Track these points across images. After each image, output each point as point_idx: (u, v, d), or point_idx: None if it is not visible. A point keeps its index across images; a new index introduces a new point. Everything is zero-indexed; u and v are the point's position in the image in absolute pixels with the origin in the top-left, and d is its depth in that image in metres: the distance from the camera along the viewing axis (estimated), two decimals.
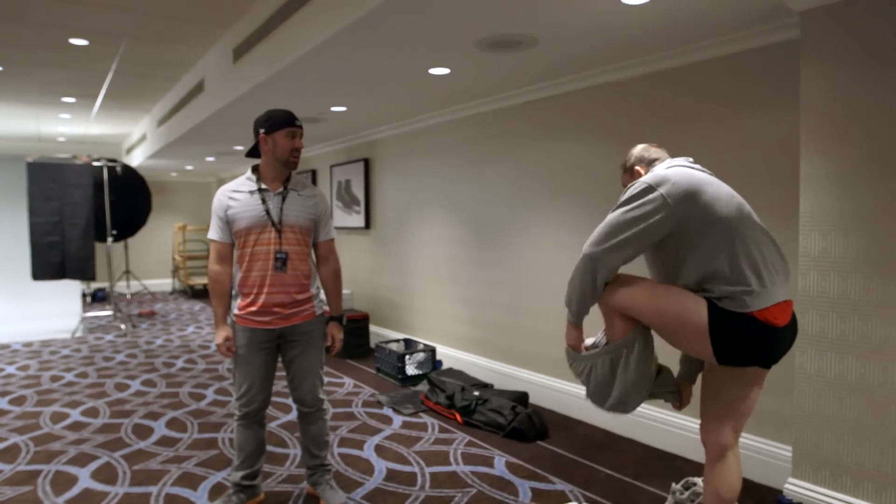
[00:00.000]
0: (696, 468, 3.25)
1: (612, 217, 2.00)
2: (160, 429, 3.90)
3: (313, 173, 7.71)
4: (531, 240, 4.46)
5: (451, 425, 4.01)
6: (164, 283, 11.68)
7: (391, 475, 3.19)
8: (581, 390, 4.09)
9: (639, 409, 3.70)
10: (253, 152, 2.68)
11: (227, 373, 5.34)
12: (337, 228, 7.04)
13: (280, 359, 2.76)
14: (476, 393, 4.27)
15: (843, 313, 2.44)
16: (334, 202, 7.11)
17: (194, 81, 5.54)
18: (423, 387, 4.88)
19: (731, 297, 1.91)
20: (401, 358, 5.08)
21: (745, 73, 3.05)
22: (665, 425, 3.55)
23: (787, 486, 2.63)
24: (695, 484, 2.77)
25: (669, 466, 3.30)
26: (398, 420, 4.11)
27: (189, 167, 10.01)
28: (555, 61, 3.56)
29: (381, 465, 3.32)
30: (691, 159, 2.15)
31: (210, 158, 8.72)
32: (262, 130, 2.57)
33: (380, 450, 3.55)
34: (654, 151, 2.24)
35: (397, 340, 5.63)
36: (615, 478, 3.17)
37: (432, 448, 3.59)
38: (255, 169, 2.67)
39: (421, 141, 5.58)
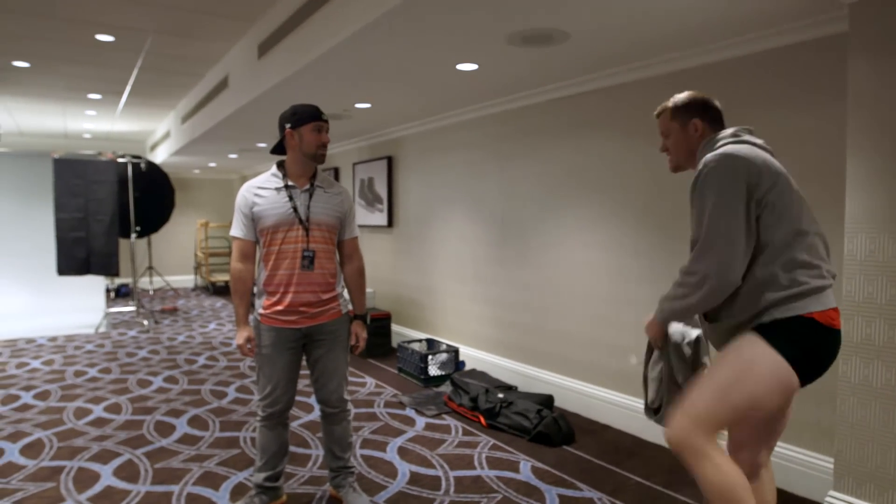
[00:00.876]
0: None
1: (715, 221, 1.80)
2: (182, 426, 3.88)
3: (336, 171, 7.69)
4: (557, 239, 4.37)
5: (474, 428, 3.94)
6: (187, 280, 11.76)
7: (415, 478, 3.13)
8: (607, 394, 3.99)
9: None
10: (278, 148, 2.64)
11: (248, 371, 5.33)
12: (360, 227, 6.99)
13: (304, 358, 2.71)
14: (500, 395, 4.19)
15: (891, 319, 2.32)
16: (357, 200, 7.07)
17: (219, 77, 5.53)
18: (446, 388, 4.81)
19: (811, 297, 1.75)
20: (423, 358, 5.02)
21: (788, 69, 2.93)
22: None
23: (827, 498, 2.52)
24: None
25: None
26: (421, 421, 4.05)
27: (212, 164, 10.06)
28: (585, 57, 3.47)
29: (404, 468, 3.26)
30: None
31: (233, 155, 8.74)
32: (287, 125, 2.53)
33: (403, 452, 3.49)
34: (713, 106, 2.05)
35: (420, 340, 5.57)
36: (645, 486, 3.08)
37: (456, 451, 3.52)
38: (280, 165, 2.63)
39: (445, 138, 5.51)
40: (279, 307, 2.56)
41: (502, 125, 4.82)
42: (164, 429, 3.83)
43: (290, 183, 2.57)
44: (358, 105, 4.93)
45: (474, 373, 4.97)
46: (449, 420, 4.09)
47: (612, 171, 3.93)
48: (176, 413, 4.15)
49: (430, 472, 3.22)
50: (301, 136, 2.51)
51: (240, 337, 2.58)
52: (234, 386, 4.83)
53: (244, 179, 11.61)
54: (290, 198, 2.55)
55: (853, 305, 2.41)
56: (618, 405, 3.92)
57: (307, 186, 2.60)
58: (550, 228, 4.43)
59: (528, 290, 4.65)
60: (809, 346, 1.76)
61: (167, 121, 8.31)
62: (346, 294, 2.78)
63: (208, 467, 3.24)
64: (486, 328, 5.14)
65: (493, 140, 4.94)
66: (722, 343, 1.92)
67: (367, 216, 6.86)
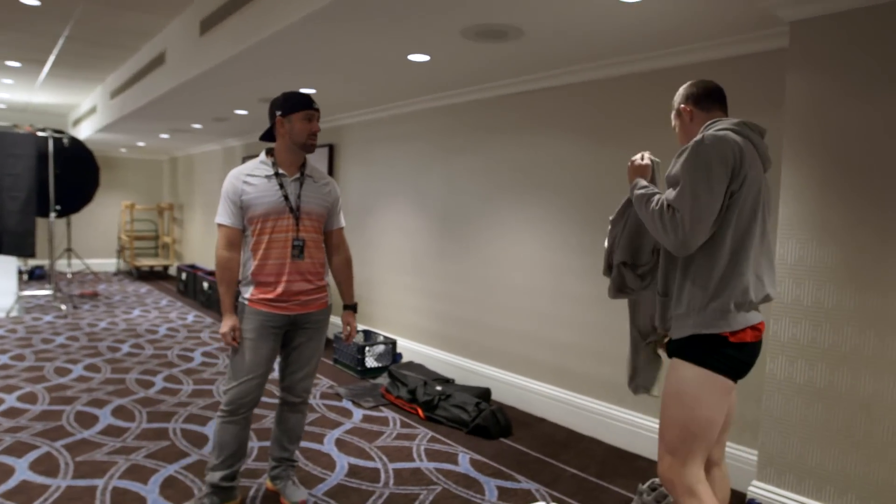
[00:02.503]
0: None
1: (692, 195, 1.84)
2: (105, 417, 3.68)
3: None
4: (501, 235, 4.42)
5: (412, 420, 3.93)
6: (108, 264, 11.16)
7: (353, 471, 3.10)
8: (544, 388, 4.08)
9: (600, 408, 3.74)
10: (268, 136, 2.59)
11: (177, 359, 5.11)
12: None
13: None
14: (438, 388, 4.20)
15: (815, 321, 2.48)
16: None
17: (155, 52, 5.26)
18: (383, 380, 4.78)
19: (737, 317, 1.86)
20: (360, 350, 4.97)
21: (733, 79, 3.05)
22: (627, 425, 3.56)
23: (750, 488, 2.66)
24: (661, 485, 2.78)
25: (632, 467, 3.32)
26: (358, 413, 4.00)
27: (141, 143, 9.58)
28: (538, 55, 3.51)
29: (342, 461, 3.21)
30: None
31: (165, 136, 8.35)
32: (278, 113, 2.49)
33: (341, 444, 3.44)
34: (710, 95, 2.08)
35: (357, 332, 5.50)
36: (580, 477, 3.16)
37: (395, 443, 3.51)
38: (269, 153, 2.58)
39: (390, 129, 5.46)
40: (270, 296, 2.50)
41: (449, 119, 4.81)
42: (86, 420, 3.62)
43: (280, 171, 2.52)
44: (303, 90, 4.80)
45: (412, 365, 4.97)
46: (387, 412, 4.07)
47: (557, 169, 4.00)
48: (98, 403, 3.93)
49: (369, 464, 3.19)
50: (292, 123, 2.48)
51: (225, 325, 2.49)
52: (162, 375, 4.62)
53: (174, 161, 11.12)
54: (281, 186, 2.50)
55: (781, 307, 2.56)
56: (554, 399, 4.01)
57: (297, 175, 2.56)
58: (494, 224, 4.47)
59: (469, 284, 4.68)
60: (731, 357, 1.87)
61: (94, 95, 7.84)
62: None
63: (135, 460, 3.09)
64: (425, 321, 5.14)
65: (438, 133, 4.93)
66: (645, 324, 2.19)
67: None
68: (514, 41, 3.24)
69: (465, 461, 3.30)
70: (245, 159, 8.10)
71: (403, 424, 3.84)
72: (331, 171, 6.29)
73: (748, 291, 1.84)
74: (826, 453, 2.46)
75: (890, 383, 2.31)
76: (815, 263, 2.48)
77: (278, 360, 2.69)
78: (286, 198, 2.49)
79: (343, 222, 2.77)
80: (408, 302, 5.33)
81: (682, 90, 2.09)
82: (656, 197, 1.91)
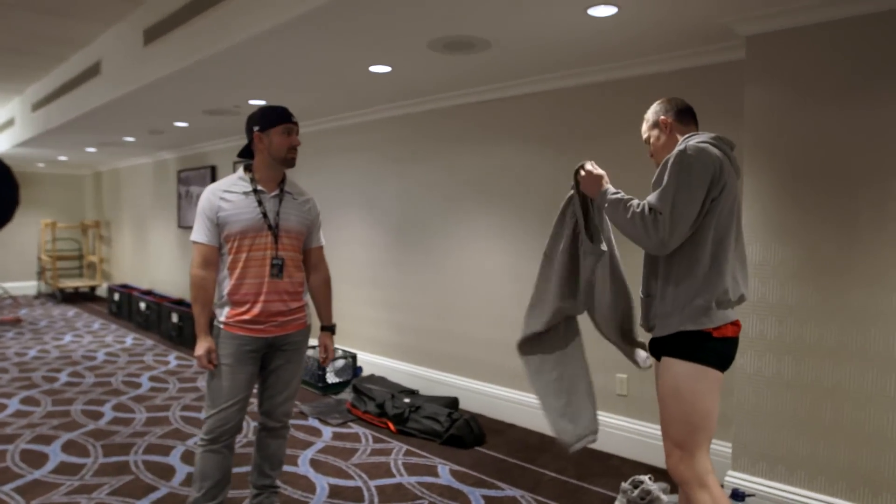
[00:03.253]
0: (632, 466, 3.37)
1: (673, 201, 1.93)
2: (56, 454, 3.43)
3: (212, 169, 7.22)
4: (461, 244, 4.45)
5: (384, 434, 3.88)
6: (28, 287, 10.41)
7: (335, 491, 3.03)
8: (511, 393, 4.12)
9: None
10: (246, 152, 2.50)
11: (123, 386, 4.83)
12: None
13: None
14: (406, 400, 4.17)
15: (780, 317, 2.64)
16: None
17: (88, 62, 4.96)
18: (347, 395, 4.70)
19: (720, 314, 1.97)
20: (320, 366, 4.86)
21: (692, 89, 3.20)
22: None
23: (726, 478, 2.80)
24: (642, 482, 2.87)
25: (607, 465, 3.41)
26: (327, 431, 3.92)
27: (63, 158, 9.00)
28: (502, 66, 3.57)
29: (321, 482, 3.13)
30: None
31: (91, 149, 7.89)
32: (256, 128, 2.42)
33: (316, 464, 3.36)
34: (681, 109, 2.20)
35: (314, 347, 5.39)
36: (560, 480, 3.22)
37: (371, 460, 3.46)
38: (247, 168, 2.49)
39: (343, 139, 5.39)
40: (247, 317, 2.40)
41: (404, 128, 4.81)
42: (34, 458, 3.36)
43: (258, 187, 2.44)
44: (252, 101, 4.67)
45: (374, 378, 4.91)
46: (356, 428, 4.00)
47: (517, 178, 4.07)
48: (45, 440, 3.65)
49: (350, 483, 3.13)
50: (270, 138, 2.41)
51: (200, 347, 2.37)
52: (110, 404, 4.35)
53: (98, 176, 10.52)
54: (260, 203, 2.42)
55: (749, 305, 2.70)
56: (521, 404, 4.06)
57: (276, 192, 2.48)
58: (454, 233, 4.49)
59: (429, 293, 4.68)
60: (717, 351, 1.98)
61: (11, 106, 7.31)
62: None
63: (100, 498, 2.89)
64: (385, 333, 5.09)
65: (393, 143, 4.91)
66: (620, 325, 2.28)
67: None
68: (481, 53, 3.28)
69: (445, 472, 3.29)
70: (180, 173, 7.77)
71: (376, 439, 3.79)
72: None
73: (727, 291, 1.96)
74: (796, 440, 2.62)
75: (851, 372, 2.49)
76: (778, 263, 2.64)
77: (257, 383, 2.60)
78: (265, 215, 2.42)
79: (323, 241, 2.71)
80: (366, 314, 5.26)
81: (658, 105, 2.20)
82: (634, 201, 1.99)
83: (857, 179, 2.47)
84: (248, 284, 2.41)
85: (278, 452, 2.67)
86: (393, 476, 3.23)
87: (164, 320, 6.75)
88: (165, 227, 8.26)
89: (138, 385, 4.90)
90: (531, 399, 4.03)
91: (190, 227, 7.59)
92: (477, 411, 4.30)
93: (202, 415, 2.51)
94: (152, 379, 5.10)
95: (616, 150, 3.55)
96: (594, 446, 3.63)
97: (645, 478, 2.90)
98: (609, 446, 3.59)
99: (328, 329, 2.72)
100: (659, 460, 3.35)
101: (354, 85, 4.08)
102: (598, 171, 2.17)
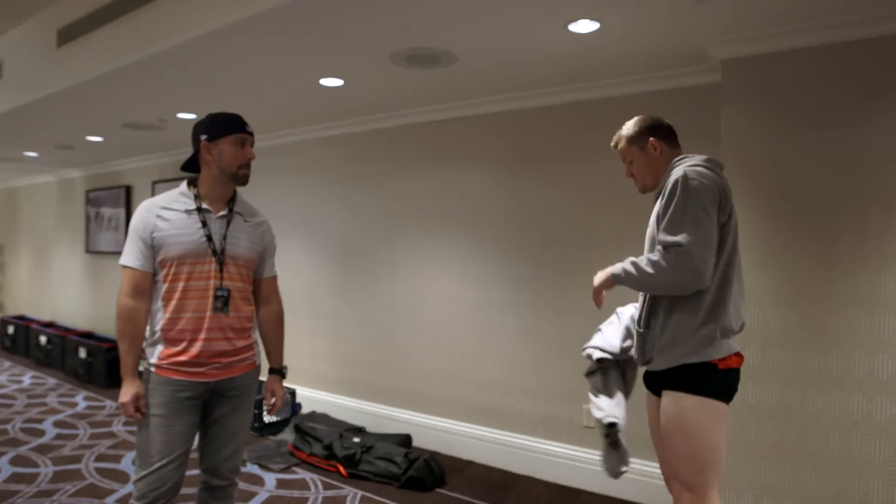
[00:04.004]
0: (604, 502, 3.21)
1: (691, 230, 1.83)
2: None
3: (127, 190, 6.60)
4: (412, 271, 4.20)
5: (333, 479, 3.54)
6: None
7: None
8: (470, 428, 3.88)
9: (534, 445, 3.63)
10: (190, 165, 2.15)
11: (21, 433, 4.20)
12: None
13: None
14: (356, 439, 3.85)
15: (763, 343, 2.58)
16: None
17: None
18: (287, 435, 4.30)
19: (726, 344, 1.89)
20: (257, 404, 4.43)
21: (667, 110, 3.11)
22: (565, 460, 3.49)
23: None
24: None
25: (578, 501, 3.23)
26: (270, 478, 3.52)
27: None
28: (464, 82, 3.39)
29: None
30: None
31: None
32: (203, 137, 2.07)
33: None
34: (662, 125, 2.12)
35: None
36: None
37: None
38: (191, 184, 2.14)
39: (282, 158, 5.02)
40: (183, 357, 2.03)
41: (351, 148, 4.54)
42: None
43: (203, 205, 2.09)
44: (181, 115, 4.27)
45: (315, 416, 4.53)
46: (302, 473, 3.63)
47: (473, 202, 3.90)
48: None
49: None
50: (220, 150, 2.07)
51: (125, 393, 1.99)
52: (7, 457, 3.74)
53: None
54: (204, 223, 2.07)
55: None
56: (482, 439, 3.84)
57: (224, 212, 2.13)
58: (404, 259, 4.25)
59: (377, 323, 4.40)
60: (723, 382, 1.89)
61: None
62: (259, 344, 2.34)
63: None
64: (326, 366, 4.73)
65: (336, 164, 4.63)
66: (646, 355, 2.01)
67: None
68: (446, 67, 3.10)
69: None
70: (88, 193, 7.09)
71: (326, 486, 3.44)
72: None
73: (731, 321, 1.88)
74: (782, 469, 2.54)
75: (836, 397, 2.44)
76: (759, 288, 2.58)
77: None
78: (209, 237, 2.08)
79: (276, 270, 2.39)
80: (305, 347, 4.88)
81: (640, 123, 2.07)
82: (641, 258, 1.89)
83: (834, 202, 2.45)
84: (185, 319, 2.05)
85: None
86: None
87: (69, 355, 6.04)
88: (71, 252, 7.49)
89: (41, 433, 4.28)
90: (488, 433, 3.82)
91: (99, 252, 6.92)
92: (432, 448, 4.03)
93: (132, 475, 2.11)
94: (58, 424, 4.48)
95: (583, 173, 3.46)
96: (564, 483, 3.47)
97: None
98: (578, 482, 3.42)
99: (277, 372, 2.38)
100: (630, 494, 3.21)
101: (301, 99, 3.79)
102: (599, 276, 2.06)
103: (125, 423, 4.51)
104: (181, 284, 2.05)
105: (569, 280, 3.51)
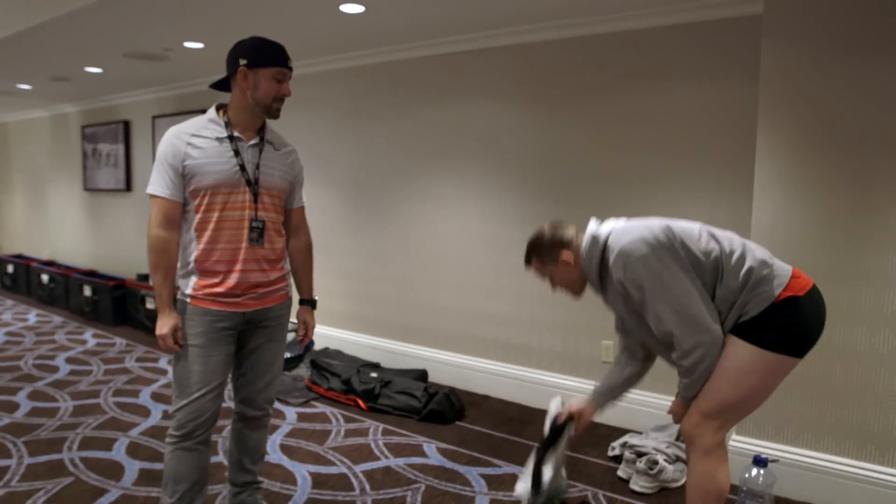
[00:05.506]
0: (619, 434, 3.27)
1: (672, 304, 1.78)
2: None
3: (125, 125, 6.42)
4: (427, 207, 4.15)
5: (354, 413, 3.59)
6: None
7: (319, 481, 2.72)
8: (485, 364, 3.92)
9: (547, 378, 3.69)
10: (222, 85, 2.06)
11: (35, 370, 4.20)
12: None
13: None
14: (374, 374, 3.89)
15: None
16: None
17: None
18: (302, 371, 4.33)
19: (768, 280, 1.80)
20: None
21: (703, 43, 3.05)
22: (579, 393, 3.53)
23: (731, 443, 2.75)
24: (644, 451, 2.79)
25: (597, 435, 3.29)
26: (290, 412, 3.57)
27: None
28: (491, 10, 3.23)
29: (301, 470, 2.81)
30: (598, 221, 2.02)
31: None
32: (243, 62, 1.97)
33: (289, 451, 3.02)
34: (565, 229, 2.04)
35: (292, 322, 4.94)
36: None
37: (348, 442, 3.16)
38: (220, 109, 2.05)
39: (293, 90, 4.87)
40: (219, 289, 2.00)
41: (362, 81, 4.40)
42: None
43: (235, 133, 2.01)
44: (188, 44, 4.09)
45: (329, 352, 4.57)
46: (321, 407, 3.68)
47: (492, 138, 3.82)
48: None
49: (333, 470, 2.83)
50: (257, 79, 1.98)
51: (164, 325, 1.96)
52: (25, 393, 3.76)
53: None
54: (236, 152, 2.00)
55: None
56: (498, 374, 3.89)
57: (256, 140, 2.06)
58: (418, 195, 4.19)
59: (390, 260, 4.37)
60: (793, 325, 1.79)
61: None
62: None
63: None
64: (338, 303, 4.73)
65: (349, 97, 4.49)
66: None
67: None
68: None
69: (432, 451, 3.06)
70: (84, 129, 6.89)
71: (347, 419, 3.49)
72: None
73: (753, 273, 1.80)
74: (803, 403, 2.60)
75: (863, 333, 2.47)
76: (791, 224, 2.57)
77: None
78: (242, 167, 2.02)
79: (304, 200, 2.34)
80: (317, 284, 4.83)
81: (541, 246, 2.01)
82: (682, 382, 1.88)
83: (874, 142, 2.41)
84: (220, 250, 2.01)
85: (259, 445, 2.32)
86: (378, 459, 2.96)
87: (74, 294, 6.00)
88: (68, 190, 7.34)
89: (55, 368, 4.29)
90: (505, 368, 3.87)
91: (98, 190, 6.78)
92: (447, 384, 4.08)
93: (170, 406, 2.11)
94: (70, 361, 4.48)
95: (603, 110, 3.38)
96: None
97: (648, 445, 2.82)
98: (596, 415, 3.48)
99: (308, 303, 2.38)
100: (642, 426, 3.27)
101: (317, 28, 3.63)
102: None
103: (140, 360, 4.53)
104: (216, 215, 2.00)
105: (587, 215, 3.46)
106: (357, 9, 3.24)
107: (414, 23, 3.52)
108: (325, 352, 4.57)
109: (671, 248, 1.79)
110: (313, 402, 3.75)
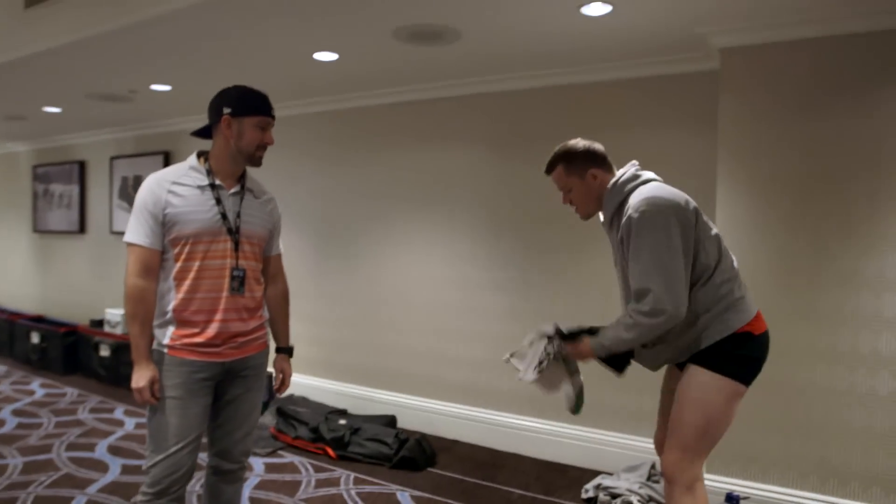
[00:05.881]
0: (591, 475, 3.29)
1: (664, 266, 1.82)
2: None
3: (81, 165, 6.26)
4: (394, 251, 4.18)
5: (323, 462, 3.51)
6: None
7: None
8: (454, 408, 3.91)
9: (516, 421, 3.70)
10: (204, 133, 2.06)
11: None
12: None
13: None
14: (342, 421, 3.82)
15: None
16: (117, 202, 5.86)
17: None
18: (266, 419, 4.21)
19: (736, 310, 1.91)
20: None
21: (663, 95, 3.23)
22: (549, 436, 3.57)
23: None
24: (610, 487, 2.83)
25: (569, 478, 3.31)
26: (257, 463, 3.46)
27: None
28: (462, 61, 3.36)
29: None
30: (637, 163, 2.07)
31: None
32: (227, 111, 1.97)
33: (260, 503, 2.93)
34: (598, 148, 2.07)
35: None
36: (529, 497, 3.07)
37: (320, 492, 3.08)
38: (202, 157, 2.05)
39: None
40: (198, 339, 1.96)
41: (333, 125, 4.44)
42: None
43: (216, 182, 2.01)
44: (154, 87, 4.06)
45: (294, 399, 4.47)
46: (289, 456, 3.58)
47: (461, 182, 3.90)
48: None
49: None
50: (241, 128, 1.99)
51: (141, 377, 1.90)
52: None
53: None
54: (218, 201, 1.99)
55: None
56: (465, 418, 3.88)
57: (237, 189, 2.06)
58: (385, 239, 4.21)
59: (357, 304, 4.36)
60: (747, 358, 1.92)
61: None
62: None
63: None
64: (304, 348, 4.60)
65: (319, 141, 4.52)
66: (657, 363, 2.06)
67: None
68: (447, 45, 3.06)
69: (407, 500, 3.02)
70: (36, 168, 6.68)
71: (317, 468, 3.41)
72: None
73: (725, 296, 1.91)
74: (769, 440, 2.69)
75: (820, 371, 2.60)
76: (753, 267, 2.70)
77: None
78: (224, 216, 2.02)
79: (282, 248, 2.35)
80: None
81: (578, 156, 2.04)
82: (621, 321, 1.91)
83: (823, 188, 2.59)
84: (200, 300, 1.98)
85: (234, 499, 2.24)
86: None
87: (20, 341, 5.71)
88: (17, 231, 7.06)
89: (1, 422, 4.05)
90: (474, 412, 3.86)
91: (49, 231, 6.54)
92: (416, 429, 4.04)
93: (144, 462, 2.03)
94: (17, 413, 4.24)
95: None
96: (550, 459, 3.55)
97: (621, 486, 2.85)
98: (564, 458, 3.51)
99: (286, 351, 2.35)
100: (613, 467, 3.30)
101: (289, 74, 3.67)
102: (580, 347, 2.03)
103: (95, 410, 4.32)
104: (196, 264, 1.97)
105: (555, 259, 3.58)
106: (331, 56, 3.30)
107: (386, 71, 3.60)
108: (291, 399, 4.47)
109: (688, 226, 1.85)
110: (280, 452, 3.65)
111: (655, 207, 1.84)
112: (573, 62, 3.29)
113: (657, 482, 2.98)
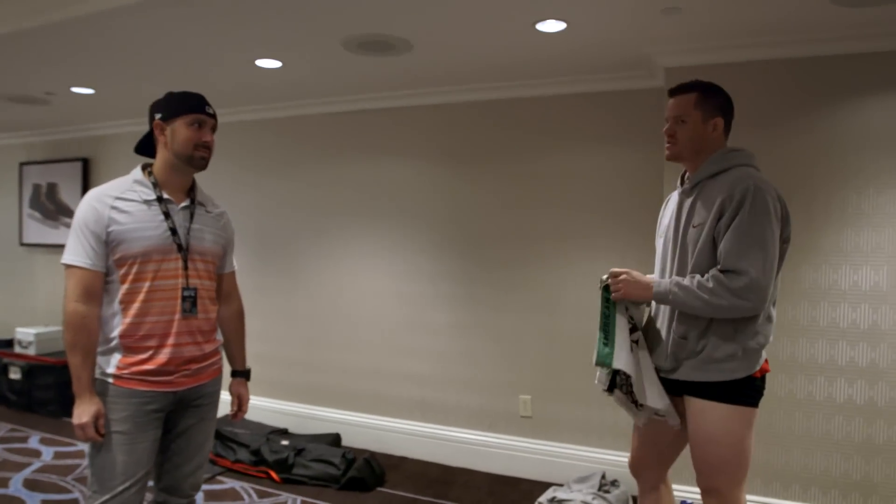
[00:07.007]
0: (543, 488, 3.31)
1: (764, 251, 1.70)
2: None
3: None
4: (337, 266, 4.06)
5: (266, 486, 3.35)
6: None
7: None
8: (402, 424, 3.83)
9: (466, 436, 3.67)
10: (144, 148, 1.93)
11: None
12: (38, 247, 5.38)
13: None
14: (285, 442, 3.67)
15: None
16: (27, 211, 5.41)
17: None
18: None
19: (761, 356, 1.83)
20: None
21: (607, 110, 3.29)
22: (500, 450, 3.56)
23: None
24: (565, 499, 2.85)
25: (521, 491, 3.31)
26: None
27: None
28: (411, 72, 3.30)
29: None
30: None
31: None
32: (157, 116, 1.87)
33: None
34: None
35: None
36: None
37: None
38: (146, 170, 1.91)
39: None
40: (148, 366, 1.81)
41: (272, 134, 4.27)
42: None
43: (164, 195, 1.87)
44: (75, 89, 3.77)
45: (228, 419, 4.24)
46: (229, 482, 3.39)
47: (405, 195, 3.84)
48: None
49: None
50: (174, 131, 1.86)
51: (84, 412, 1.73)
52: None
53: None
54: (167, 215, 1.85)
55: None
56: (413, 434, 3.81)
57: (186, 202, 1.93)
58: (328, 253, 4.09)
59: (297, 320, 4.21)
60: (752, 381, 1.84)
61: None
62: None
63: None
64: None
65: (256, 150, 4.34)
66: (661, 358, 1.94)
67: (48, 234, 5.30)
68: (398, 56, 3.01)
69: None
70: None
71: (260, 493, 3.24)
72: (85, 192, 5.08)
73: (770, 331, 1.85)
74: (770, 453, 2.76)
75: (801, 382, 2.72)
76: None
77: None
78: (173, 231, 1.88)
79: (235, 265, 2.22)
80: None
81: (717, 97, 1.88)
82: (698, 281, 1.75)
83: None
84: (150, 324, 1.84)
85: None
86: None
87: None
88: None
89: None
90: (423, 428, 3.81)
91: None
92: (362, 447, 3.93)
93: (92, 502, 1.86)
94: None
95: (516, 171, 3.53)
96: (501, 472, 3.53)
97: (576, 498, 2.87)
98: (517, 470, 3.51)
99: (243, 374, 2.22)
100: (563, 478, 3.32)
101: (227, 80, 3.50)
102: (635, 274, 1.90)
103: (6, 440, 3.95)
104: (146, 284, 1.84)
105: (502, 274, 3.58)
106: (274, 64, 3.17)
107: (330, 80, 3.50)
108: (227, 419, 4.24)
109: (784, 213, 1.79)
110: (219, 478, 3.45)
111: (773, 197, 1.75)
112: (525, 76, 3.31)
113: (608, 492, 3.02)
